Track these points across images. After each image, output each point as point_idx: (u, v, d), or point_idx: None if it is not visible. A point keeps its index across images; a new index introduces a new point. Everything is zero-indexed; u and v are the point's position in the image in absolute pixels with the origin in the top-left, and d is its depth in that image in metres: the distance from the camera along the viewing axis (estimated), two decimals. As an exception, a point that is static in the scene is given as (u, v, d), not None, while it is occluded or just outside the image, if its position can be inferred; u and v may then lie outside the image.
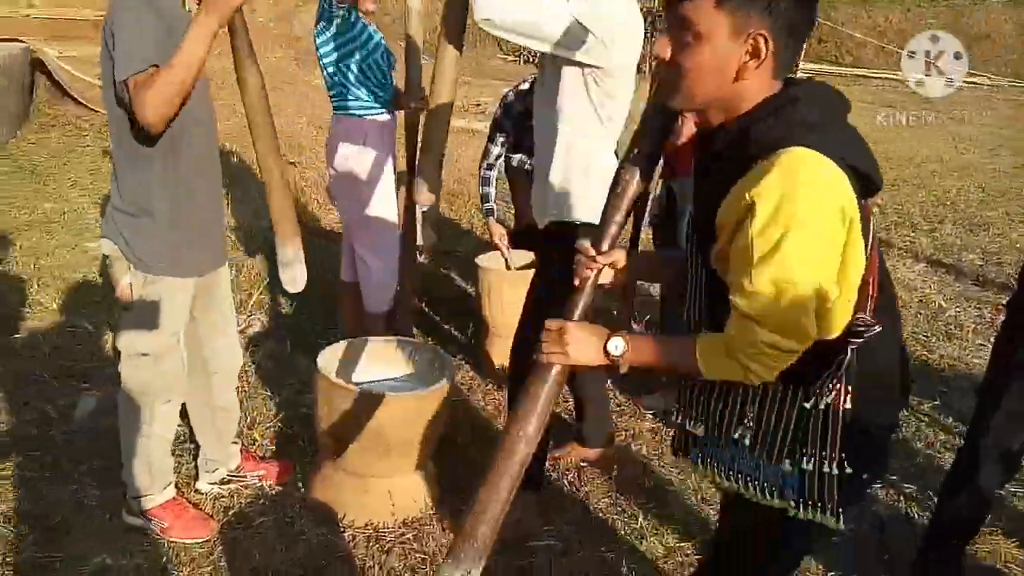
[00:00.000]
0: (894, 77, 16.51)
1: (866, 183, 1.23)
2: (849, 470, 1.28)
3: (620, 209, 1.43)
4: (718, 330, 1.28)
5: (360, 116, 3.11)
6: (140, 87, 1.90)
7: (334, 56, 3.04)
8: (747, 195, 1.16)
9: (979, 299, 4.49)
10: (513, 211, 3.94)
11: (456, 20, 2.24)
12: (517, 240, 3.65)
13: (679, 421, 1.48)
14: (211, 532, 2.31)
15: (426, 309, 4.00)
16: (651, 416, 3.09)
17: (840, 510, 1.29)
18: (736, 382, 1.30)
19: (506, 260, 3.63)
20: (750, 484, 1.36)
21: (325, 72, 3.11)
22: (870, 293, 1.26)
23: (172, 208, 2.12)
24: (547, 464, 2.58)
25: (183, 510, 2.33)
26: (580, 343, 1.35)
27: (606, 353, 1.33)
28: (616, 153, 2.37)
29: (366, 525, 2.37)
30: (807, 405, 1.28)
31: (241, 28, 1.98)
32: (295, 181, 6.48)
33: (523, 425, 1.38)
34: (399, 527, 2.37)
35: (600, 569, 2.26)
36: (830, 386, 1.27)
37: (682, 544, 2.38)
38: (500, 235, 3.63)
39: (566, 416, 2.97)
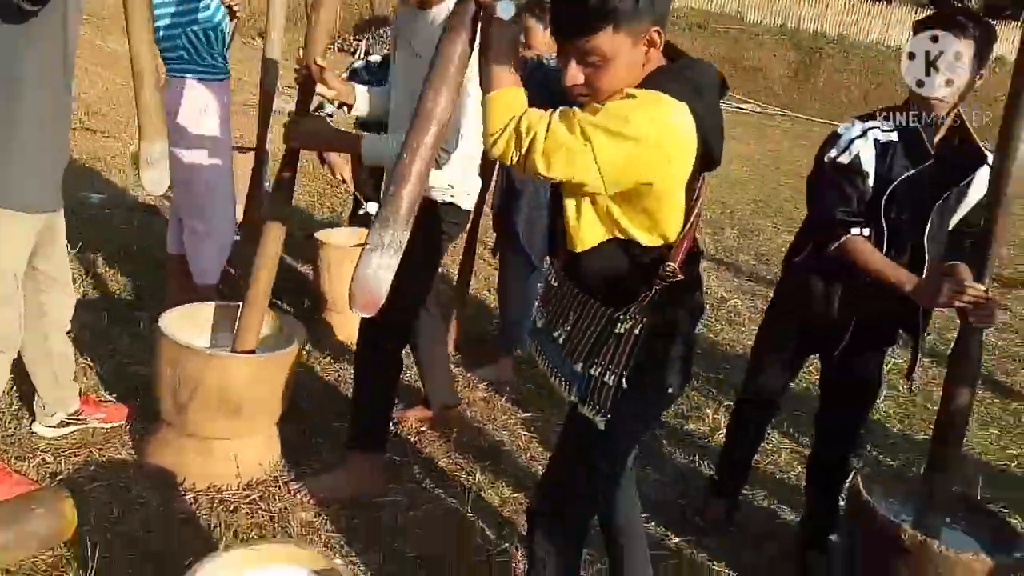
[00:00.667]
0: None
1: (705, 154, 1.46)
2: (626, 386, 1.56)
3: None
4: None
5: (198, 80, 3.04)
6: None
7: (175, 18, 2.95)
8: (628, 90, 1.40)
9: (753, 292, 5.18)
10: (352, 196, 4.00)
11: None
12: (355, 222, 3.74)
13: (535, 313, 1.80)
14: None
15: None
16: (483, 386, 3.30)
17: (609, 416, 1.58)
18: (567, 296, 1.63)
19: (359, 200, 3.67)
20: (555, 376, 1.70)
21: (160, 33, 3.00)
22: (683, 251, 1.52)
23: (27, 138, 2.00)
24: (392, 427, 2.69)
25: (5, 475, 2.19)
26: None
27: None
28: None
29: (208, 488, 2.35)
30: (609, 325, 1.56)
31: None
32: (97, 151, 6.03)
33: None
34: (243, 489, 2.39)
35: (444, 519, 2.43)
36: (632, 314, 1.54)
37: (516, 494, 2.60)
38: (345, 169, 3.74)
39: (414, 383, 3.10)
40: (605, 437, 1.63)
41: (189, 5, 2.97)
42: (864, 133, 2.09)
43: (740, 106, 18.39)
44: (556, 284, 1.71)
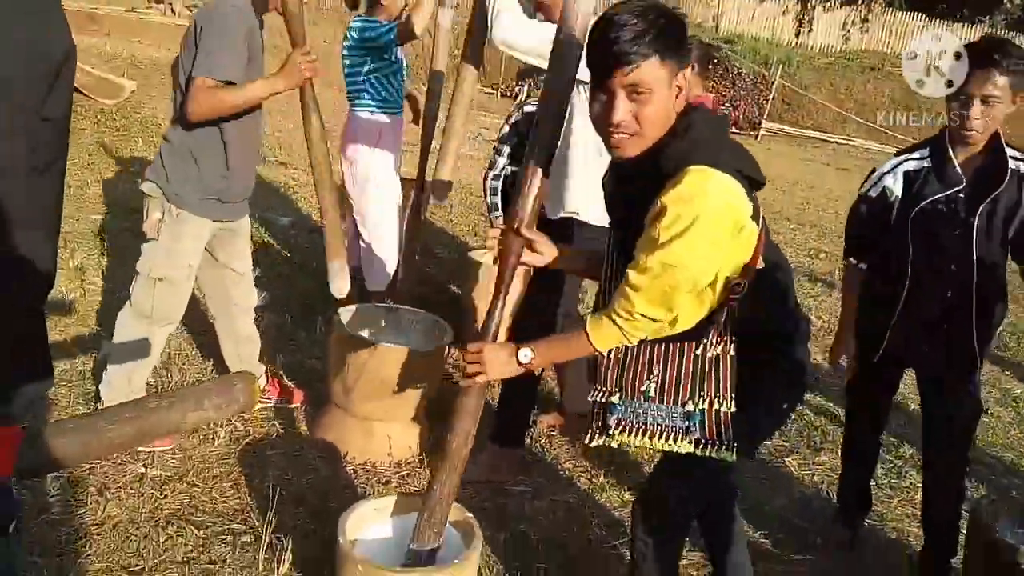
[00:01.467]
0: (849, 143, 17.51)
1: (753, 182, 1.56)
2: (735, 408, 1.58)
3: (530, 197, 1.71)
4: None
5: (373, 112, 3.53)
6: (202, 91, 2.33)
7: (364, 66, 3.46)
8: (660, 202, 1.47)
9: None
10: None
11: (476, 49, 2.65)
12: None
13: (596, 398, 1.70)
14: (174, 442, 2.61)
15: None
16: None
17: (735, 445, 1.59)
18: (641, 352, 1.63)
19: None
20: (660, 434, 1.63)
21: (352, 75, 3.52)
22: (752, 264, 1.56)
23: (215, 164, 2.52)
24: (528, 427, 2.94)
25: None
26: (495, 362, 1.67)
27: (519, 363, 1.66)
28: None
29: (366, 463, 2.71)
30: (698, 354, 1.59)
31: (308, 90, 2.44)
32: (287, 181, 6.83)
33: (461, 435, 1.77)
34: (394, 467, 2.72)
35: (565, 512, 2.64)
36: (716, 339, 1.58)
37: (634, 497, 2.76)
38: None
39: (553, 389, 3.34)
40: (725, 466, 1.64)
41: (381, 60, 3.47)
42: (894, 168, 2.33)
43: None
44: (621, 355, 1.67)
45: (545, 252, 1.80)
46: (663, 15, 1.48)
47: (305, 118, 2.48)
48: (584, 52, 1.56)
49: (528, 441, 2.94)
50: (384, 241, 3.61)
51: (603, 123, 1.52)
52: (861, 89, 19.24)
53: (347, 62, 3.54)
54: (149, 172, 2.56)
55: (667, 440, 1.63)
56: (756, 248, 1.57)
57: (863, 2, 20.78)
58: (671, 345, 1.61)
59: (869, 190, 2.38)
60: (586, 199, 2.58)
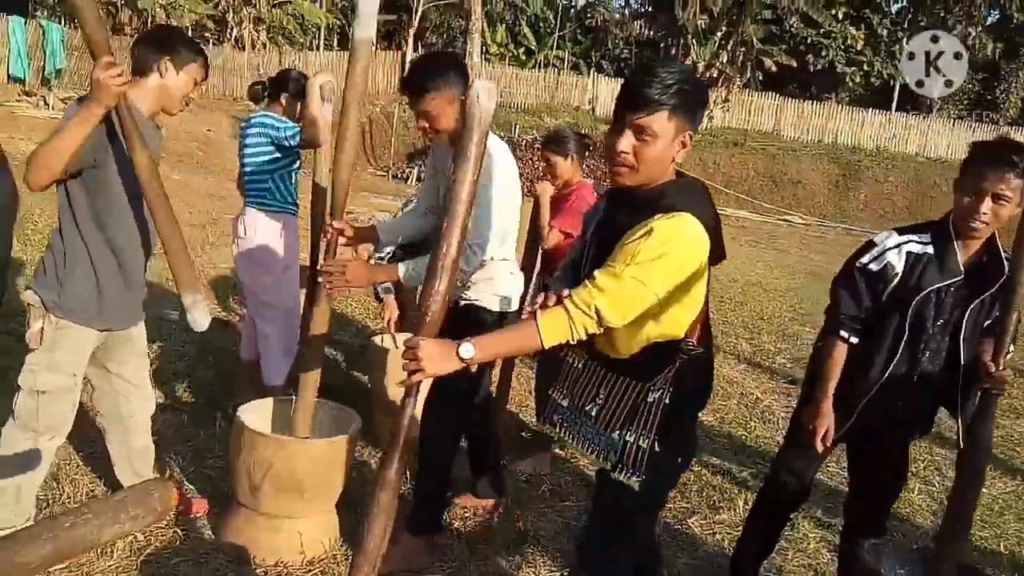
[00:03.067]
0: (721, 212, 18.68)
1: (715, 252, 1.80)
2: (657, 448, 1.82)
3: (432, 330, 1.70)
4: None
5: (281, 212, 3.57)
6: (31, 155, 2.20)
7: (268, 165, 3.51)
8: (649, 224, 1.71)
9: (788, 393, 5.36)
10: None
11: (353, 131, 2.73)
12: (404, 326, 4.12)
13: (553, 394, 2.01)
14: (64, 561, 2.46)
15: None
16: (523, 479, 3.55)
17: (644, 477, 1.82)
18: (595, 375, 1.87)
19: (394, 338, 4.06)
20: (589, 447, 1.92)
21: (252, 172, 3.55)
22: (698, 330, 1.84)
23: (96, 268, 2.44)
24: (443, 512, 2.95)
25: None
26: (432, 356, 1.63)
27: (460, 358, 1.65)
28: None
29: (276, 563, 2.64)
30: (641, 395, 1.83)
31: (125, 113, 2.22)
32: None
33: (377, 533, 1.75)
34: (306, 565, 2.66)
35: (484, 593, 2.65)
36: (660, 384, 1.83)
37: (552, 573, 2.81)
38: (393, 313, 4.09)
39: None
40: (639, 498, 1.86)
41: (286, 157, 3.53)
42: (899, 245, 2.29)
43: (783, 218, 18.78)
44: (580, 366, 1.97)
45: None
46: (691, 82, 1.74)
47: (131, 148, 2.25)
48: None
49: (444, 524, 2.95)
50: (282, 334, 3.59)
51: (611, 149, 1.77)
52: (727, 163, 20.67)
53: (253, 159, 3.55)
54: (32, 280, 2.48)
55: (592, 453, 1.93)
56: (700, 314, 1.84)
57: (723, 84, 22.53)
58: (621, 379, 1.87)
59: (870, 264, 2.31)
60: (484, 287, 2.74)
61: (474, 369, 1.80)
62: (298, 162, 3.63)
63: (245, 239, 3.57)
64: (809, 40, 24.01)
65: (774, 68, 23.07)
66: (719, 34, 22.48)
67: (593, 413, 1.90)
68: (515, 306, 2.85)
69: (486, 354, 1.71)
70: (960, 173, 2.28)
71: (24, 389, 2.46)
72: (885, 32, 24.91)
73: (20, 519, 2.47)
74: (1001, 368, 2.10)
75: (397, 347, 3.98)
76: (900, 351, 2.32)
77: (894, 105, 23.74)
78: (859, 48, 24.01)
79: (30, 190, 2.27)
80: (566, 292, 1.74)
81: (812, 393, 2.43)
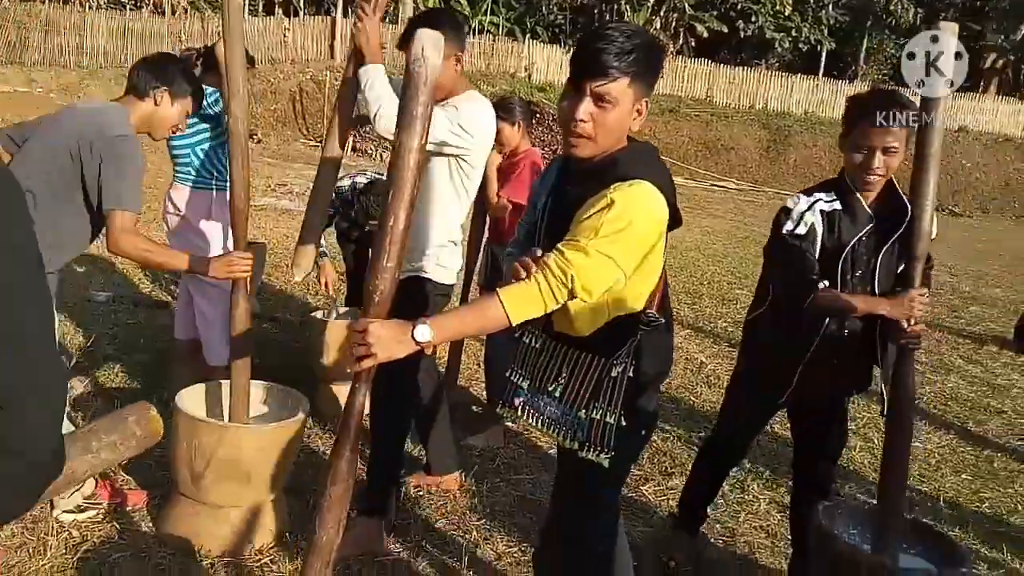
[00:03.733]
0: (659, 179, 18.87)
1: (673, 218, 1.77)
2: (624, 423, 1.78)
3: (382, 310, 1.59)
4: None
5: (207, 188, 3.38)
6: (128, 229, 2.36)
7: (197, 137, 3.31)
8: (608, 196, 1.64)
9: (730, 356, 5.43)
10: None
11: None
12: (352, 300, 4.00)
13: (512, 376, 1.94)
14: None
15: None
16: (476, 453, 3.49)
17: (612, 453, 1.78)
18: (556, 354, 1.82)
19: (335, 308, 3.93)
20: (554, 428, 1.86)
21: (178, 145, 3.35)
22: (657, 298, 1.81)
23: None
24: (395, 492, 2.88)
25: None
26: (383, 340, 1.52)
27: (415, 340, 1.54)
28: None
29: (223, 553, 2.52)
30: (604, 371, 1.78)
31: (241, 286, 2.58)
32: (104, 251, 6.31)
33: (331, 525, 1.64)
34: (255, 553, 2.55)
35: (442, 571, 2.59)
36: (622, 358, 1.78)
37: (510, 548, 2.77)
38: (331, 277, 3.97)
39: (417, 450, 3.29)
40: (606, 472, 1.81)
41: (211, 128, 3.33)
42: (811, 206, 2.36)
43: (717, 184, 19.07)
44: (538, 346, 1.90)
45: None
46: (649, 45, 1.68)
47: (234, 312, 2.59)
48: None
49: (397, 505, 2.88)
50: (223, 313, 3.41)
51: (567, 117, 1.69)
52: (662, 129, 20.81)
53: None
54: None
55: (557, 434, 1.87)
56: (660, 282, 1.81)
57: (657, 50, 22.60)
58: (583, 356, 1.81)
59: (796, 228, 2.35)
60: (434, 258, 2.66)
61: (429, 351, 1.68)
62: (225, 134, 3.42)
63: (176, 215, 3.38)
64: (739, 6, 24.24)
65: (705, 34, 23.26)
66: (652, 0, 22.49)
67: (557, 393, 1.85)
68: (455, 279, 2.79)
69: (444, 335, 1.62)
70: (844, 130, 2.35)
71: None
72: (812, -1, 25.32)
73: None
74: (912, 322, 2.20)
75: (336, 318, 3.85)
76: None
77: (821, 71, 24.24)
78: (787, 14, 24.36)
79: (112, 251, 2.44)
80: (538, 251, 1.67)
81: (873, 310, 2.29)
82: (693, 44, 23.61)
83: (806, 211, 2.36)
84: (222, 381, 2.89)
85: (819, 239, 2.36)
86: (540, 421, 1.89)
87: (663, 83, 22.25)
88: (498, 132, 3.60)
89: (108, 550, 2.48)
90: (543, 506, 2.88)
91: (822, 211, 2.35)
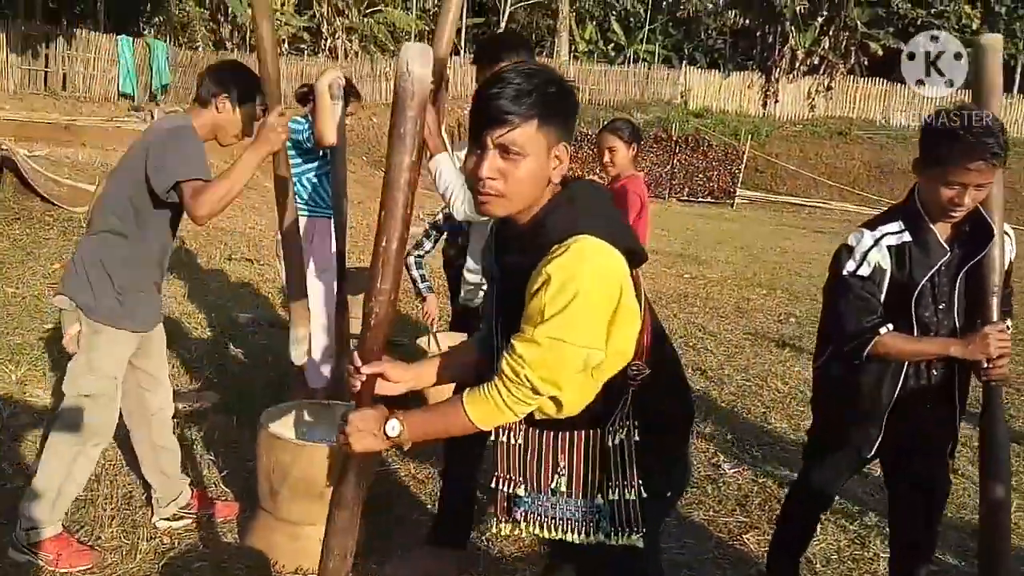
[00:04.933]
0: (824, 206, 17.77)
1: (632, 257, 1.50)
2: (646, 492, 1.55)
3: (373, 324, 1.55)
4: None
5: (312, 216, 3.55)
6: (198, 192, 2.35)
7: (297, 166, 3.50)
8: (543, 270, 1.41)
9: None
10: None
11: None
12: (454, 324, 4.03)
13: (500, 488, 1.64)
14: (92, 561, 2.51)
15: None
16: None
17: (645, 530, 1.55)
18: (545, 443, 1.58)
19: (436, 340, 3.98)
20: (571, 528, 1.60)
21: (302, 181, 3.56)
22: (644, 345, 1.55)
23: (130, 277, 2.51)
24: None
25: (68, 543, 2.54)
26: (359, 432, 1.51)
27: (387, 437, 1.50)
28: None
29: (296, 570, 2.58)
30: (607, 443, 1.55)
31: (283, 158, 2.68)
32: (251, 277, 6.83)
33: (337, 553, 1.63)
34: (326, 573, 2.59)
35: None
36: (620, 423, 1.55)
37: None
38: (433, 311, 4.02)
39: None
40: (639, 552, 1.59)
41: (308, 159, 3.51)
42: (876, 242, 2.13)
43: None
44: (521, 442, 1.62)
45: (399, 378, 1.67)
46: (553, 83, 1.45)
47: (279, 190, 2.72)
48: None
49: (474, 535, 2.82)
50: (321, 338, 3.56)
51: (473, 176, 1.47)
52: (831, 154, 19.69)
53: None
54: (63, 285, 2.52)
55: (578, 534, 1.60)
56: (642, 326, 1.54)
57: (825, 72, 21.48)
58: (575, 434, 1.57)
59: (858, 270, 2.13)
60: None
61: (407, 447, 1.58)
62: (328, 163, 3.58)
63: (279, 243, 3.57)
64: (919, 21, 22.54)
65: (880, 52, 21.80)
66: (820, 19, 21.44)
67: (562, 487, 1.59)
68: None
69: (415, 435, 1.53)
70: (926, 155, 2.05)
71: (68, 395, 2.50)
72: (1003, 9, 23.07)
73: (54, 519, 2.51)
74: (995, 360, 1.95)
75: (440, 349, 3.88)
76: None
77: (1015, 87, 21.98)
78: (975, 28, 22.35)
79: (198, 225, 2.44)
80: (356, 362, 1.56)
81: (940, 352, 2.08)
82: (866, 63, 22.18)
83: (871, 248, 2.12)
84: (311, 402, 2.99)
85: (886, 281, 2.11)
86: (552, 525, 1.62)
87: (832, 104, 21.10)
88: (612, 152, 3.49)
89: (192, 558, 2.60)
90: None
91: (889, 247, 2.10)
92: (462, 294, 3.07)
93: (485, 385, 1.48)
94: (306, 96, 3.67)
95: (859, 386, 2.20)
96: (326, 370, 3.59)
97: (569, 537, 1.61)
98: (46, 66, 17.11)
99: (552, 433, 1.58)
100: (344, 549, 1.59)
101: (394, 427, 1.50)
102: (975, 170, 1.95)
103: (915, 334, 2.11)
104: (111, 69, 17.52)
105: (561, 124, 1.46)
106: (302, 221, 3.53)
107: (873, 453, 2.27)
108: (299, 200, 3.55)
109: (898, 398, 2.15)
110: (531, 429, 1.60)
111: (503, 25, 21.72)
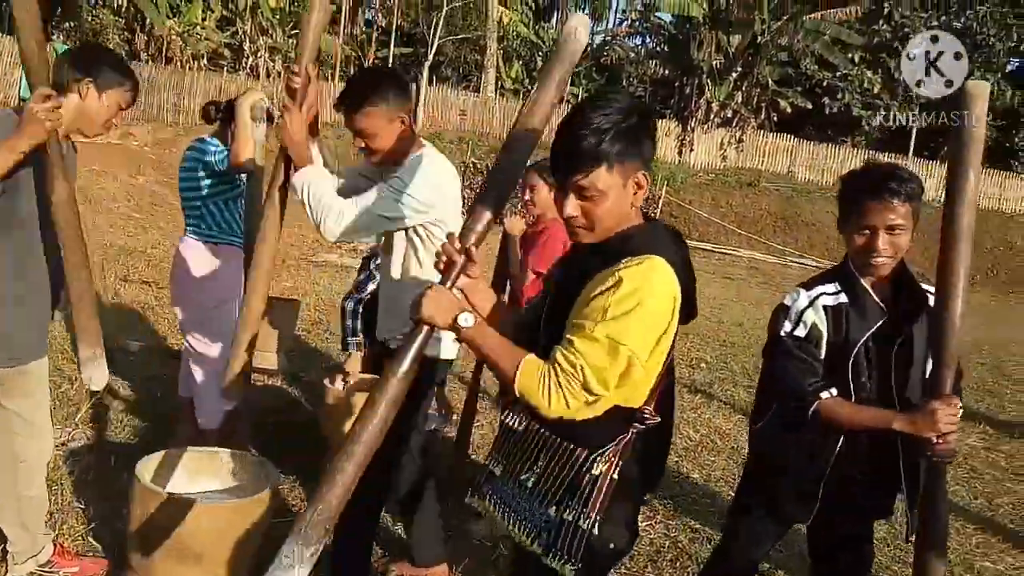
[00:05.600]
0: (733, 253, 18.32)
1: (687, 307, 1.56)
2: (596, 532, 1.55)
3: (482, 221, 1.65)
4: None
5: (219, 243, 3.29)
6: None
7: (207, 189, 3.25)
8: (616, 273, 1.49)
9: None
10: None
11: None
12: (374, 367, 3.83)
13: (487, 462, 1.75)
14: None
15: (271, 430, 4.01)
16: (475, 541, 3.20)
17: (579, 566, 1.55)
18: (536, 438, 1.62)
19: (345, 382, 3.75)
20: (519, 525, 1.64)
21: (189, 199, 3.30)
22: (658, 393, 1.59)
23: None
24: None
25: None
26: (437, 303, 1.53)
27: (455, 320, 1.53)
28: None
29: (165, 641, 2.30)
30: (585, 467, 1.57)
31: (54, 144, 2.08)
32: (149, 301, 6.41)
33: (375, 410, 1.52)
34: (201, 644, 2.32)
35: None
36: (608, 456, 1.57)
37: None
38: (355, 373, 3.75)
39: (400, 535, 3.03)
40: None
41: (221, 183, 3.27)
42: (812, 302, 2.09)
43: (796, 260, 18.42)
44: (520, 427, 1.69)
45: (477, 275, 1.71)
46: (628, 112, 1.51)
47: (46, 181, 2.10)
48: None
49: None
50: (215, 375, 3.28)
51: (560, 213, 1.58)
52: (740, 203, 20.37)
53: (186, 184, 3.32)
54: None
55: (522, 532, 1.64)
56: (665, 370, 1.60)
57: (738, 124, 22.34)
58: (566, 445, 1.60)
59: (794, 329, 2.08)
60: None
61: (456, 340, 1.70)
62: (240, 188, 3.36)
63: (179, 269, 3.30)
64: (825, 83, 23.79)
65: (789, 110, 22.86)
66: (734, 74, 22.33)
67: (529, 484, 1.63)
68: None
69: (476, 337, 1.55)
70: (841, 211, 2.10)
71: None
72: (901, 76, 24.64)
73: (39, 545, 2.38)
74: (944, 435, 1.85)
75: (343, 390, 3.66)
76: None
77: (911, 151, 23.39)
78: (876, 92, 23.74)
79: None
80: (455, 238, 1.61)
81: (882, 425, 1.97)
82: (776, 119, 23.20)
83: (806, 308, 2.08)
84: (197, 449, 2.73)
85: (824, 340, 2.06)
86: (505, 515, 1.68)
87: (743, 156, 21.93)
88: (533, 190, 3.39)
89: (44, 626, 2.30)
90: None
91: (826, 307, 2.07)
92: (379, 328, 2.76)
93: (544, 363, 1.51)
94: (215, 114, 3.44)
95: (798, 449, 2.13)
96: (219, 411, 3.31)
97: (514, 533, 1.66)
98: (-62, 65, 16.00)
99: (548, 433, 1.62)
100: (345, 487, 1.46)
101: (467, 319, 1.53)
102: (882, 208, 1.96)
103: (852, 401, 2.04)
104: (14, 72, 16.50)
105: (637, 154, 1.53)
106: (201, 248, 3.29)
107: (810, 520, 2.19)
108: (201, 226, 3.29)
109: (835, 464, 2.08)
110: (533, 422, 1.65)
111: (431, 57, 21.68)
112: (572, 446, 1.59)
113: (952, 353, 1.85)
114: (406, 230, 2.45)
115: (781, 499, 2.22)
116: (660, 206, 19.33)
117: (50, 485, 2.96)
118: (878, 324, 2.04)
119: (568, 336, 1.50)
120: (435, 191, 2.41)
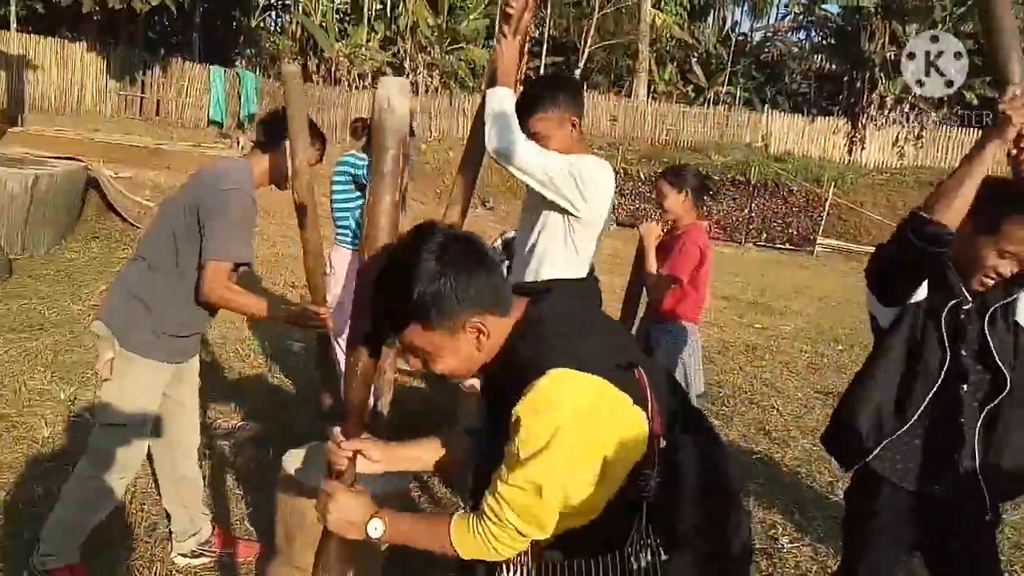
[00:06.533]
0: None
1: (625, 368, 1.35)
2: None
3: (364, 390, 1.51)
4: None
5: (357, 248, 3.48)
6: (219, 275, 2.32)
7: (355, 201, 3.46)
8: (514, 412, 1.30)
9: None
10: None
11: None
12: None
13: None
14: None
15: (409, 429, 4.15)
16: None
17: None
18: (556, 570, 1.44)
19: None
20: None
21: (339, 210, 3.52)
22: (655, 449, 1.35)
23: (171, 311, 2.44)
24: None
25: (81, 573, 2.46)
26: (343, 514, 1.44)
27: (366, 533, 1.42)
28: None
29: (306, 623, 2.43)
30: (630, 567, 1.37)
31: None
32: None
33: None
34: (339, 629, 2.43)
35: None
36: (641, 543, 1.36)
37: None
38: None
39: None
40: None
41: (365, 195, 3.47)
42: None
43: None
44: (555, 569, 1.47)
45: (379, 458, 1.59)
46: (434, 278, 1.30)
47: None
48: None
49: None
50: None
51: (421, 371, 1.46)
52: (919, 203, 18.86)
53: (336, 196, 3.53)
54: (100, 310, 2.48)
55: None
56: (650, 436, 1.36)
57: (916, 119, 20.72)
58: (591, 563, 1.41)
59: None
60: None
61: (383, 547, 1.52)
62: None
63: (330, 276, 3.50)
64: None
65: (976, 101, 20.89)
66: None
67: None
68: None
69: (393, 538, 1.44)
70: (981, 220, 1.92)
71: (97, 424, 2.45)
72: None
73: (71, 548, 2.45)
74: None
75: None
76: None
77: None
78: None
79: (200, 299, 2.41)
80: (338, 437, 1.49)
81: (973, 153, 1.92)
82: (959, 111, 21.32)
83: None
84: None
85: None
86: None
87: (923, 153, 20.30)
88: (663, 198, 3.35)
89: (201, 602, 2.49)
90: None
91: None
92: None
93: (473, 518, 1.39)
94: (363, 130, 3.63)
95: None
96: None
97: None
98: (142, 92, 17.99)
99: (568, 562, 1.44)
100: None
101: (376, 528, 1.42)
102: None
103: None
104: (202, 97, 18.30)
105: (447, 310, 1.31)
106: (346, 253, 3.47)
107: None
108: (348, 232, 3.49)
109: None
110: (540, 565, 1.46)
111: (582, 64, 21.79)
112: (600, 559, 1.40)
113: None
114: (563, 216, 2.45)
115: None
116: (827, 208, 18.27)
117: (214, 474, 3.24)
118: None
119: (495, 479, 1.35)
120: (595, 186, 2.44)
